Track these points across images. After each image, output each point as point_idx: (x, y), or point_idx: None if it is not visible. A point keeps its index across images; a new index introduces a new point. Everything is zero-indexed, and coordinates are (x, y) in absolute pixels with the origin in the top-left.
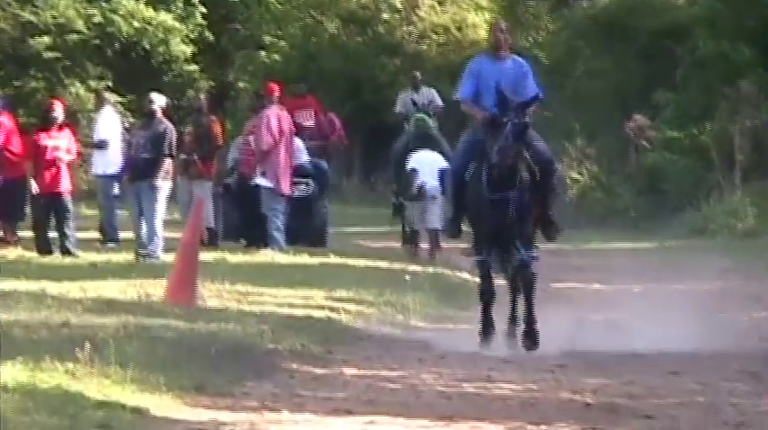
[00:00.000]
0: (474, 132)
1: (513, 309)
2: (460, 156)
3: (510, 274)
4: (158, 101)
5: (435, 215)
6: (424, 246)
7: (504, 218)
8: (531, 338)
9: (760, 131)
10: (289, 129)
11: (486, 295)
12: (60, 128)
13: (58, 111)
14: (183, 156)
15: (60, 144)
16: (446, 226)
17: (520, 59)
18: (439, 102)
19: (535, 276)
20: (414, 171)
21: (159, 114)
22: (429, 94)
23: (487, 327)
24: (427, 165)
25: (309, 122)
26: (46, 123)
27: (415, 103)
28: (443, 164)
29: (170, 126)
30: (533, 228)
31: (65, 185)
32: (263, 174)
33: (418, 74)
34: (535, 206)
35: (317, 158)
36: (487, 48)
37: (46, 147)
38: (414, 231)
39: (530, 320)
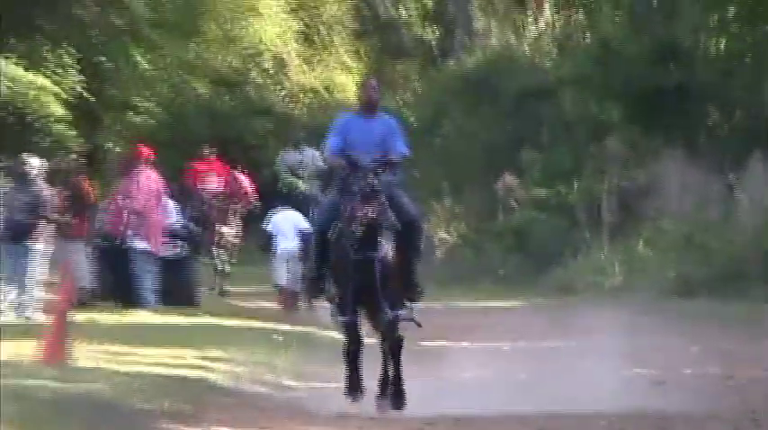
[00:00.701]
0: (338, 191)
1: (385, 369)
2: (324, 215)
3: (379, 335)
4: (33, 163)
5: (292, 274)
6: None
7: (369, 278)
8: (400, 398)
9: (626, 190)
10: (159, 190)
11: (352, 354)
12: None
13: None
14: (55, 217)
15: None
16: (308, 285)
17: (388, 118)
18: (320, 162)
19: (402, 338)
20: (268, 234)
21: (34, 176)
22: (311, 154)
23: (354, 385)
24: (288, 224)
25: (217, 185)
26: None
27: (300, 163)
28: (304, 224)
29: (46, 188)
30: (399, 287)
31: None
32: (136, 235)
33: (301, 134)
34: (399, 266)
35: (229, 220)
36: (358, 105)
37: None
38: (278, 288)
39: (397, 381)
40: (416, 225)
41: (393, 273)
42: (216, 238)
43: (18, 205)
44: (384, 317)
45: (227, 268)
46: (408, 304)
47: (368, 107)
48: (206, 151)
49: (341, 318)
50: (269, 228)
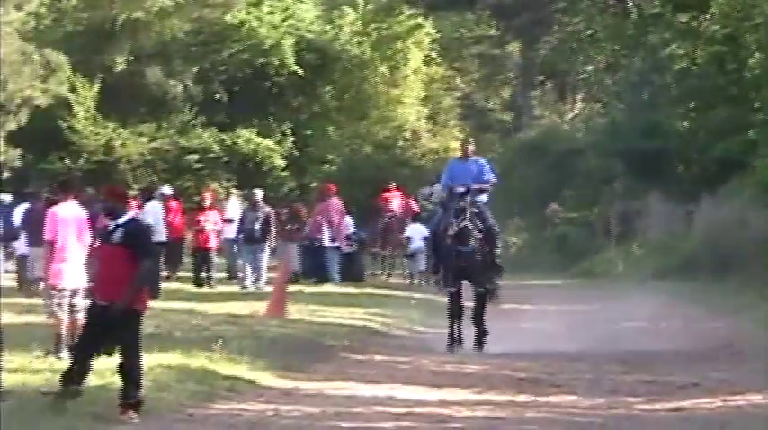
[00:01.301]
0: (444, 208)
1: (475, 324)
2: (436, 223)
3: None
4: (258, 194)
5: (419, 262)
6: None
7: (465, 262)
8: (482, 342)
9: (626, 213)
10: (341, 210)
11: (453, 315)
12: (210, 209)
13: (208, 199)
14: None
15: (210, 219)
16: (429, 267)
17: (479, 159)
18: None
19: (485, 303)
20: (408, 237)
21: (260, 202)
22: (437, 189)
23: (453, 337)
24: (417, 233)
25: (398, 206)
26: (201, 206)
27: (430, 194)
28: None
29: (269, 209)
30: (485, 269)
31: (211, 244)
32: (329, 238)
33: (431, 178)
34: (485, 255)
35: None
36: (459, 154)
37: (200, 221)
38: (410, 273)
39: (480, 331)
40: (494, 230)
41: (481, 260)
42: (390, 239)
43: (251, 220)
44: (476, 289)
45: (395, 261)
46: (493, 280)
47: (464, 154)
48: (391, 185)
49: (446, 289)
50: (406, 234)
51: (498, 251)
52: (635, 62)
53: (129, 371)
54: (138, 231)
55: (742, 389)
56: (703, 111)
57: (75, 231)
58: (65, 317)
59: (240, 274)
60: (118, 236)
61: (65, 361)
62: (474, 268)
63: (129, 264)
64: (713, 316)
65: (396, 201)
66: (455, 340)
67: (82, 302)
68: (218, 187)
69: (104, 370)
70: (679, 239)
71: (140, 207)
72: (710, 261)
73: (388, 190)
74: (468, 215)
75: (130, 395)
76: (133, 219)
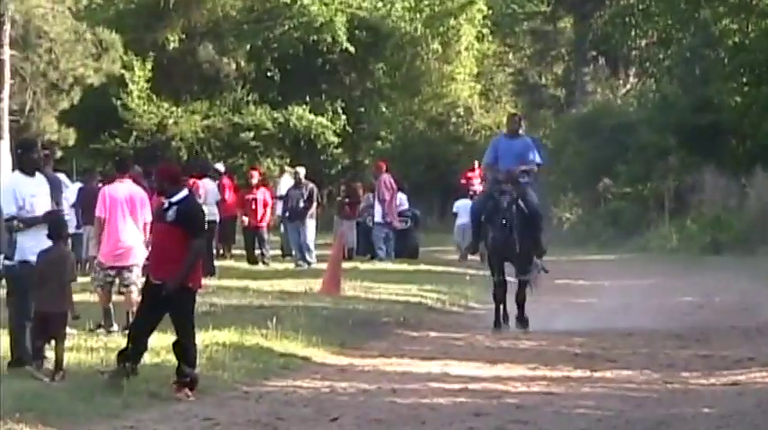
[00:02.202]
0: (489, 188)
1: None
2: (478, 206)
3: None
4: (301, 171)
5: (466, 239)
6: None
7: (508, 244)
8: (523, 322)
9: (680, 188)
10: (394, 187)
11: (498, 297)
12: (258, 186)
13: (256, 177)
14: (338, 202)
15: (259, 197)
16: (469, 247)
17: (527, 137)
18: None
19: (528, 287)
20: (454, 214)
21: (303, 179)
22: None
23: (498, 316)
24: (464, 207)
25: (479, 185)
26: (249, 184)
27: None
28: None
29: (312, 186)
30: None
31: (263, 222)
32: (381, 215)
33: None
34: (527, 238)
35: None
36: (506, 130)
37: (252, 199)
38: (458, 247)
39: (521, 311)
40: (538, 214)
41: (522, 245)
42: None
43: (295, 197)
44: (518, 275)
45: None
46: (536, 260)
47: (511, 131)
48: (475, 164)
49: (491, 275)
50: (454, 210)
51: (541, 235)
52: (687, 37)
53: (184, 349)
54: (190, 210)
55: None
56: (756, 86)
57: (126, 210)
58: (110, 294)
59: (294, 252)
60: (171, 214)
61: (119, 338)
62: (514, 254)
63: (181, 243)
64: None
65: (478, 181)
66: (500, 321)
67: (136, 280)
68: (272, 165)
69: (159, 348)
70: (733, 214)
71: (195, 186)
72: (765, 235)
73: (472, 169)
74: (509, 199)
75: (185, 373)
76: (185, 198)
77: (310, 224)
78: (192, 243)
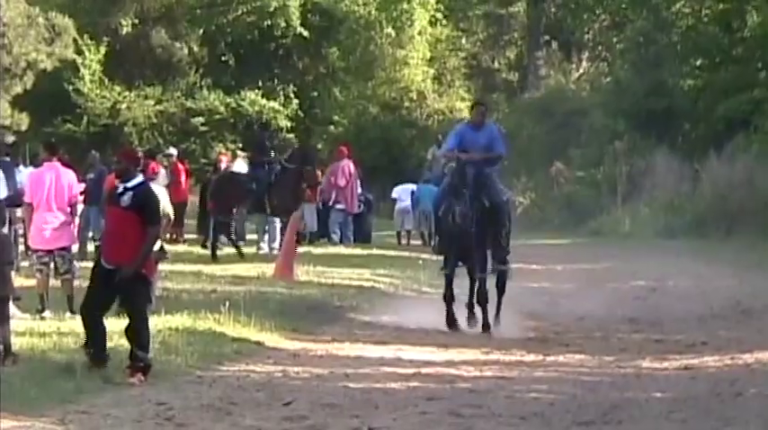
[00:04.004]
0: (450, 177)
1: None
2: (436, 202)
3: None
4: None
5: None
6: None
7: (466, 242)
8: (486, 326)
9: (633, 172)
10: (352, 173)
11: (448, 297)
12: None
13: (225, 162)
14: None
15: None
16: (434, 246)
17: (493, 126)
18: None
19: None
20: (394, 199)
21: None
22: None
23: (451, 317)
24: (404, 192)
25: None
26: (216, 169)
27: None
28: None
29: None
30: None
31: None
32: (338, 201)
33: (440, 136)
34: (487, 237)
35: None
36: (471, 120)
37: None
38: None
39: (485, 315)
40: (502, 207)
41: (481, 243)
42: None
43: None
44: (476, 274)
45: None
46: (497, 265)
47: (477, 122)
48: None
49: (442, 271)
50: (393, 195)
51: (505, 231)
52: (640, 21)
53: (137, 334)
54: (147, 196)
55: (750, 347)
56: (709, 70)
57: (53, 194)
58: (48, 277)
59: (248, 237)
60: (126, 199)
61: (71, 323)
62: (471, 251)
63: (136, 229)
64: (721, 274)
65: None
66: (454, 320)
67: (72, 266)
68: (224, 149)
69: (112, 333)
70: (686, 198)
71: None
72: (718, 219)
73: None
74: (470, 193)
75: (138, 357)
76: (142, 184)
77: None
78: (148, 230)
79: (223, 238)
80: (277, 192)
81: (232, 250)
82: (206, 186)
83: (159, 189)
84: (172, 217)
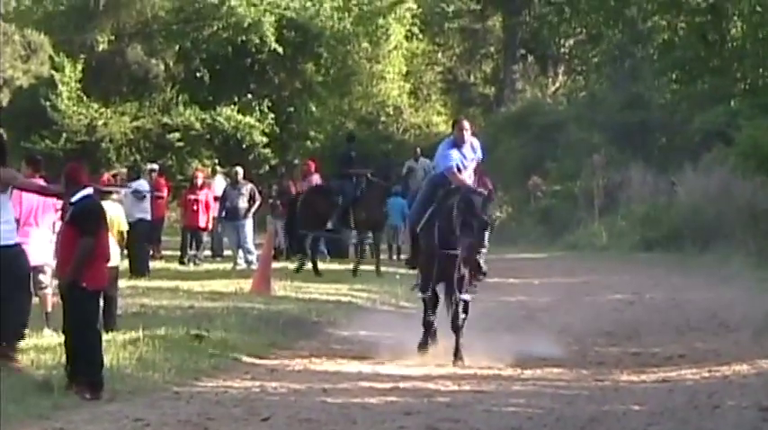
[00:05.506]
0: (432, 185)
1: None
2: (416, 211)
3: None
4: (239, 171)
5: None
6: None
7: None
8: (457, 355)
9: (609, 186)
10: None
11: (428, 324)
12: (202, 187)
13: (201, 178)
14: (270, 202)
15: (201, 198)
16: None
17: (476, 143)
18: (431, 169)
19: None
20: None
21: (242, 179)
22: (425, 163)
23: (426, 341)
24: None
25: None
26: (193, 185)
27: (412, 169)
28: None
29: (252, 185)
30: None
31: (203, 223)
32: None
33: (418, 150)
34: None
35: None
36: (456, 138)
37: (194, 199)
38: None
39: (458, 341)
40: (484, 225)
41: (462, 264)
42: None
43: (233, 197)
44: (454, 296)
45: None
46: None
47: (462, 141)
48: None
49: (421, 294)
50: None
51: (484, 250)
52: (616, 34)
53: (82, 350)
54: (83, 209)
55: (728, 359)
56: (685, 83)
57: (39, 209)
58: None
59: (226, 253)
60: (68, 214)
61: (50, 339)
62: (453, 272)
63: (74, 242)
64: (698, 287)
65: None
66: (428, 341)
67: (50, 282)
68: (200, 165)
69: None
70: (663, 211)
71: (118, 184)
72: (695, 232)
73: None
74: (456, 212)
75: (82, 372)
76: (83, 197)
77: (249, 224)
78: (80, 241)
79: (207, 252)
80: (365, 205)
81: (211, 266)
82: (294, 201)
83: (114, 205)
84: (125, 234)
